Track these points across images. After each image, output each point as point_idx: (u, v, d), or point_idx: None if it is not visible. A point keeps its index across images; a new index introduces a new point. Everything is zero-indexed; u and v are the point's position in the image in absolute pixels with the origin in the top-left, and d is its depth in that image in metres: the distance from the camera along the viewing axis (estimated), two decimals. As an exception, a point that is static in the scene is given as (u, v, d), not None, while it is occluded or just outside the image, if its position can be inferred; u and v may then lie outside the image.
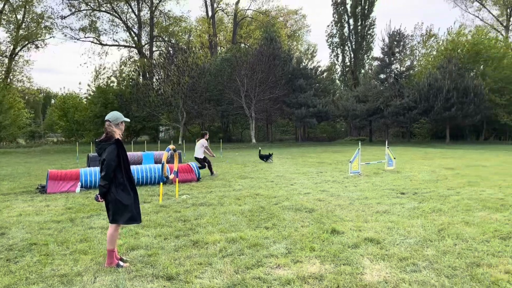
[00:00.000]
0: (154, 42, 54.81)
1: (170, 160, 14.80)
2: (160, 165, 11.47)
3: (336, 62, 60.02)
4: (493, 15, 54.63)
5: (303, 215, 7.24)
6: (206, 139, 13.83)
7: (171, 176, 9.84)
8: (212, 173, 13.42)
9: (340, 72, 60.71)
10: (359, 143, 16.86)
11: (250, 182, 11.85)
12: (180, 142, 39.72)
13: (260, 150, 20.85)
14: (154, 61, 46.14)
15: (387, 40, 42.79)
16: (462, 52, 40.34)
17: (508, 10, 52.77)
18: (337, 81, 60.41)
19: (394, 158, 15.22)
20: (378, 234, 5.80)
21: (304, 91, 43.21)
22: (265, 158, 19.22)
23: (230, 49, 48.28)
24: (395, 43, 42.33)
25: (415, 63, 47.69)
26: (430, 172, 13.90)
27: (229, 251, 5.11)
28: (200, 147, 13.42)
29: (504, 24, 53.36)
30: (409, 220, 6.72)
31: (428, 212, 7.33)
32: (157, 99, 42.44)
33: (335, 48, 59.40)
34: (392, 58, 42.54)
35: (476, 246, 5.19)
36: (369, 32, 56.71)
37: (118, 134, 4.64)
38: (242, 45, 56.96)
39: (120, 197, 4.56)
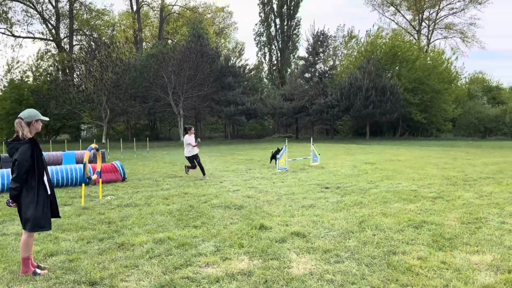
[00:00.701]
0: (74, 36, 51.70)
1: (92, 160, 14.09)
2: (82, 165, 10.87)
3: (263, 60, 61.07)
4: (407, 20, 58.89)
5: (232, 212, 7.28)
6: (192, 134, 12.20)
7: (94, 177, 9.38)
8: (204, 174, 12.20)
9: (267, 71, 61.84)
10: (286, 140, 17.29)
11: (178, 181, 11.66)
12: (103, 141, 37.93)
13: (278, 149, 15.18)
14: (75, 56, 43.51)
15: (311, 40, 44.36)
16: (380, 53, 42.96)
17: (420, 16, 57.19)
18: (265, 80, 61.47)
19: (319, 154, 15.84)
20: (304, 228, 6.00)
21: (232, 89, 43.40)
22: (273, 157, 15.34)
23: (156, 44, 46.99)
24: (319, 43, 44.00)
25: (337, 63, 49.96)
26: (352, 167, 14.65)
27: (157, 252, 4.99)
28: (186, 145, 12.08)
29: (417, 28, 57.75)
30: (333, 213, 7.03)
31: (350, 205, 7.72)
32: (78, 96, 40.09)
33: (262, 47, 60.39)
34: (316, 58, 44.19)
35: (392, 235, 5.57)
36: (294, 32, 58.37)
37: (28, 132, 4.30)
38: (169, 41, 55.75)
39: (29, 202, 4.25)
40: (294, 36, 58.42)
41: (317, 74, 44.53)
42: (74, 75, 43.19)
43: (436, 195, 8.54)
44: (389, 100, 38.95)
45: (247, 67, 48.88)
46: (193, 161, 12.16)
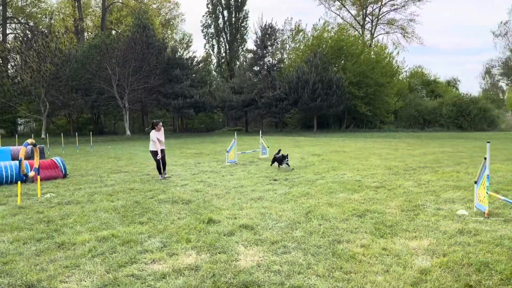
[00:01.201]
0: (7, 24, 48.43)
1: (30, 156, 13.33)
2: (17, 162, 10.24)
3: (212, 52, 60.45)
4: (352, 15, 60.63)
5: (180, 207, 7.17)
6: (159, 129, 10.86)
7: (31, 174, 8.87)
8: (160, 174, 10.90)
9: (216, 63, 61.33)
10: (235, 133, 17.28)
11: (124, 177, 11.30)
12: (43, 135, 35.99)
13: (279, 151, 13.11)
14: (9, 46, 40.79)
15: (259, 33, 44.49)
16: (326, 47, 43.93)
17: (364, 11, 59.09)
18: (214, 72, 60.94)
19: (268, 147, 15.97)
20: (252, 220, 6.03)
21: (180, 81, 42.65)
22: (279, 161, 12.29)
23: (99, 35, 45.09)
24: (267, 36, 44.22)
25: (285, 56, 50.53)
26: (300, 159, 14.92)
27: (100, 251, 4.81)
28: (151, 140, 10.85)
29: (361, 23, 59.65)
30: (281, 205, 7.12)
31: (297, 196, 7.85)
32: (13, 88, 37.66)
33: (210, 39, 59.73)
34: (265, 51, 44.42)
35: (337, 224, 5.73)
36: (242, 24, 58.22)
37: None
38: (113, 31, 53.71)
39: None
40: (242, 28, 58.28)
41: (265, 67, 44.80)
42: (9, 66, 40.49)
43: (378, 185, 8.89)
44: (335, 93, 40.00)
45: (195, 59, 48.18)
46: (155, 158, 10.77)
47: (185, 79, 43.07)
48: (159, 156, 10.62)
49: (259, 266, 4.22)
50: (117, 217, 6.46)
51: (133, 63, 38.84)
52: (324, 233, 5.31)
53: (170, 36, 61.26)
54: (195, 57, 48.05)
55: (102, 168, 13.40)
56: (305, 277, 3.92)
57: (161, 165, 10.86)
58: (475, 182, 6.34)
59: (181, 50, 50.06)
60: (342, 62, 44.98)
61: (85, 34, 56.62)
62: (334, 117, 46.84)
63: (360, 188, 8.59)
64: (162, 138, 10.87)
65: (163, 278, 4.00)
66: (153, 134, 10.67)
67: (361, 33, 57.30)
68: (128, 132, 41.36)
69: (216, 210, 6.79)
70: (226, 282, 3.82)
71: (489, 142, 6.22)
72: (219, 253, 4.66)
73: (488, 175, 5.92)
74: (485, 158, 5.98)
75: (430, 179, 9.46)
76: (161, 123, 11.03)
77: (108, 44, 39.51)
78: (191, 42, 64.27)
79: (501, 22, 64.05)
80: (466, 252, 4.41)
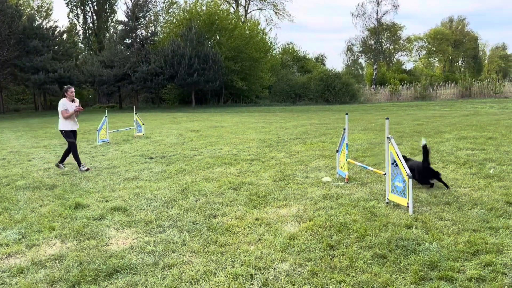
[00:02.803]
0: None
1: None
2: None
3: (77, 23, 55.34)
4: (225, -11, 60.61)
5: (43, 193, 6.51)
6: (72, 97, 8.30)
7: None
8: (80, 163, 8.48)
9: (82, 35, 56.42)
10: (106, 110, 16.24)
11: (-28, 163, 9.84)
12: None
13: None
14: None
15: (130, 3, 41.99)
16: (199, 22, 43.42)
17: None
18: (80, 44, 56.05)
19: (143, 124, 15.37)
20: (126, 202, 5.76)
21: (40, 53, 38.29)
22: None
23: None
24: (139, 7, 41.98)
25: (159, 29, 48.69)
26: (178, 135, 14.69)
27: None
28: (59, 114, 8.28)
29: (235, -1, 60.12)
30: (157, 183, 6.93)
31: (174, 173, 7.72)
32: None
33: (74, 8, 54.50)
34: (137, 23, 42.18)
35: (213, 199, 5.79)
36: (111, -7, 54.24)
37: None
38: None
39: None
40: (111, -3, 54.29)
41: (138, 40, 42.64)
42: None
43: (253, 157, 9.21)
44: (211, 68, 40.02)
45: (57, 30, 43.62)
46: (68, 139, 8.46)
47: (46, 52, 38.79)
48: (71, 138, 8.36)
49: (131, 249, 4.05)
50: (-38, 210, 5.60)
51: (-21, 31, 33.59)
52: (200, 209, 5.32)
53: (25, 2, 54.25)
54: (56, 27, 43.46)
55: None
56: (180, 254, 3.89)
57: (77, 150, 8.54)
58: (337, 151, 6.95)
59: (39, 18, 44.74)
60: (217, 37, 45.03)
61: None
62: (212, 92, 47.00)
63: (236, 161, 8.79)
64: (70, 108, 8.24)
65: (21, 273, 3.60)
66: (62, 103, 8.15)
67: (235, 8, 57.88)
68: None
69: (85, 194, 6.33)
70: (95, 269, 3.59)
71: (347, 114, 6.83)
72: (87, 239, 4.36)
73: (347, 144, 6.53)
74: (344, 129, 6.57)
75: (299, 150, 10.11)
76: (72, 89, 8.36)
77: None
78: (51, 10, 57.79)
79: (358, 4, 70.53)
80: (328, 216, 4.83)
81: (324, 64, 66.57)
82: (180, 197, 5.96)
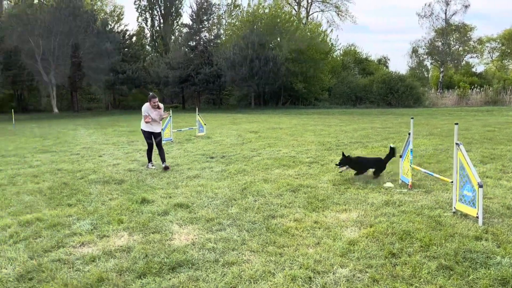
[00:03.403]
0: None
1: None
2: None
3: (145, 26, 58.04)
4: (287, -9, 60.70)
5: (112, 187, 6.91)
6: (154, 106, 8.63)
7: None
8: (149, 161, 8.96)
9: (150, 38, 59.05)
10: (170, 110, 16.89)
11: (51, 157, 10.66)
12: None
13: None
14: None
15: (195, 7, 43.35)
16: (262, 24, 43.83)
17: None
18: (147, 47, 58.70)
19: (205, 124, 15.80)
20: (188, 199, 5.96)
21: (112, 56, 40.63)
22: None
23: (19, 3, 41.43)
24: (203, 10, 43.21)
25: (222, 32, 49.78)
26: (237, 136, 14.94)
27: (23, 236, 4.52)
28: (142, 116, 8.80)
29: (297, 0, 60.04)
30: (217, 182, 7.10)
31: (234, 173, 7.87)
32: None
33: (143, 12, 57.21)
34: (201, 26, 43.44)
35: (272, 200, 5.83)
36: (177, -3, 56.29)
37: None
38: (36, 0, 49.59)
39: None
40: (177, 1, 56.36)
41: (202, 42, 43.90)
42: None
43: (312, 160, 9.15)
44: (271, 70, 40.26)
45: (128, 33, 46.05)
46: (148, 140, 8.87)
47: (117, 54, 41.08)
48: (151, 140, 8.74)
49: (193, 245, 4.19)
50: (42, 200, 6.10)
51: (59, 36, 36.24)
52: (259, 209, 5.38)
53: (100, 8, 57.81)
54: (127, 30, 45.95)
55: (26, 148, 12.53)
56: (239, 253, 3.96)
57: (152, 151, 8.94)
58: (400, 156, 6.72)
59: (112, 23, 47.47)
60: (278, 39, 45.19)
61: (4, 2, 51.75)
62: (271, 94, 47.29)
63: (294, 163, 8.79)
64: (157, 117, 8.74)
65: (93, 261, 3.85)
66: (145, 109, 8.65)
67: (297, 10, 57.80)
68: (55, 110, 38.95)
69: (150, 190, 6.63)
70: (159, 262, 3.76)
71: (412, 118, 6.59)
72: (152, 233, 4.57)
73: (411, 149, 6.30)
74: (409, 134, 6.35)
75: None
76: (157, 99, 8.76)
77: (30, 14, 36.44)
78: (122, 15, 61.13)
79: (425, 4, 67.57)
80: (390, 222, 4.69)
81: (387, 67, 64.49)
82: (239, 196, 6.07)
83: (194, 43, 44.36)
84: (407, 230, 4.41)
